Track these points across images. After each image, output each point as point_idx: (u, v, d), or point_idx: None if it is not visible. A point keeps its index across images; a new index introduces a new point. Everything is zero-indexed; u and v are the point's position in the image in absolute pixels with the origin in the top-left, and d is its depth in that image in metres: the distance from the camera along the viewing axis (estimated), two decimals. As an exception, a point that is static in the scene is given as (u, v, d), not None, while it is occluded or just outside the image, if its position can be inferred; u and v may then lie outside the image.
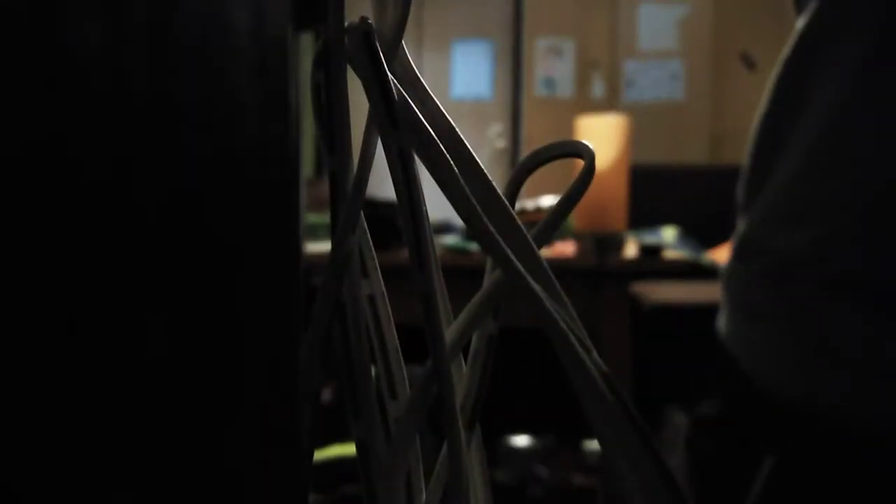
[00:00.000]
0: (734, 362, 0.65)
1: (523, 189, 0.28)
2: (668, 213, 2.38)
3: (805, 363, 0.59)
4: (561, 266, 1.90)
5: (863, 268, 0.58)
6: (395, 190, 0.22)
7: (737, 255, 0.68)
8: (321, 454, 0.83)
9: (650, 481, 0.23)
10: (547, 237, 0.26)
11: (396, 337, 0.25)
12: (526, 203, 2.02)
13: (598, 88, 3.92)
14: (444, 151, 0.23)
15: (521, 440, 2.11)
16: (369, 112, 0.23)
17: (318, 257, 1.68)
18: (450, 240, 2.05)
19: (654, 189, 2.44)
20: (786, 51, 0.66)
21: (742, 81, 3.87)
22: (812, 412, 0.59)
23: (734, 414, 0.66)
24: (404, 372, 0.25)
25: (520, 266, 0.23)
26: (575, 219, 1.99)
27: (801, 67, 0.64)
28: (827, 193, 0.61)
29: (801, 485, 0.60)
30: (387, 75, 0.22)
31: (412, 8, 0.24)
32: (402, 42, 0.24)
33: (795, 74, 0.64)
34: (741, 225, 0.69)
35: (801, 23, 0.65)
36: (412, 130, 0.23)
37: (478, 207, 0.23)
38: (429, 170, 0.23)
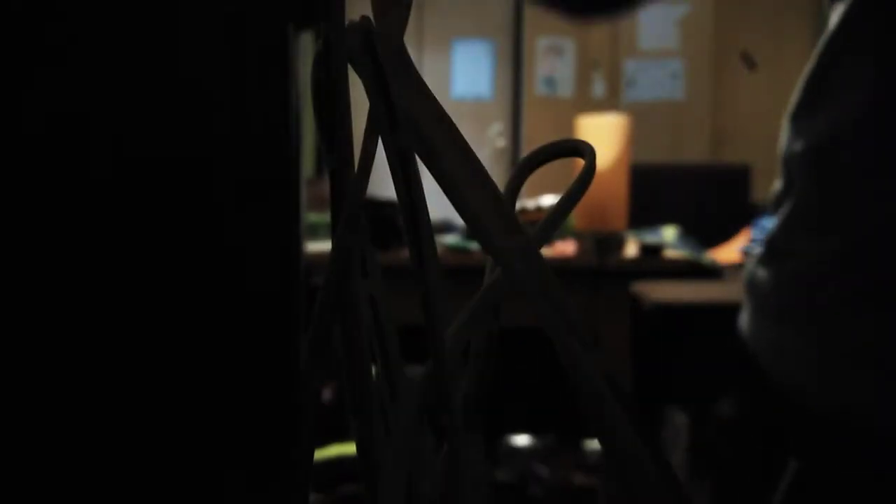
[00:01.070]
0: (756, 362, 0.64)
1: (523, 188, 0.28)
2: (668, 212, 2.38)
3: (832, 367, 0.59)
4: (561, 266, 1.90)
5: (890, 274, 0.58)
6: (396, 189, 0.22)
7: (764, 257, 0.68)
8: (321, 454, 0.83)
9: (651, 481, 0.23)
10: (547, 237, 0.26)
11: (396, 337, 0.25)
12: (526, 202, 2.02)
13: (598, 88, 3.92)
14: (445, 151, 0.23)
15: (521, 440, 2.11)
16: (369, 112, 0.23)
17: (319, 257, 1.68)
18: (450, 239, 2.05)
19: (654, 189, 2.44)
20: (815, 51, 0.65)
21: (742, 81, 3.87)
22: (839, 415, 0.58)
23: (755, 414, 0.66)
24: (404, 372, 0.25)
25: (520, 265, 0.23)
26: (575, 218, 1.99)
27: (822, 72, 0.63)
28: (845, 203, 0.61)
29: (826, 488, 0.60)
30: (387, 74, 0.22)
31: (412, 7, 0.24)
32: (403, 40, 0.24)
33: (816, 78, 0.64)
34: (771, 226, 0.69)
35: (832, 22, 0.64)
36: (412, 130, 0.23)
37: (478, 207, 0.23)
38: (429, 169, 0.23)
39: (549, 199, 2.02)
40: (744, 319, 0.68)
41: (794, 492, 0.60)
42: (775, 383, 0.62)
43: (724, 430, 0.69)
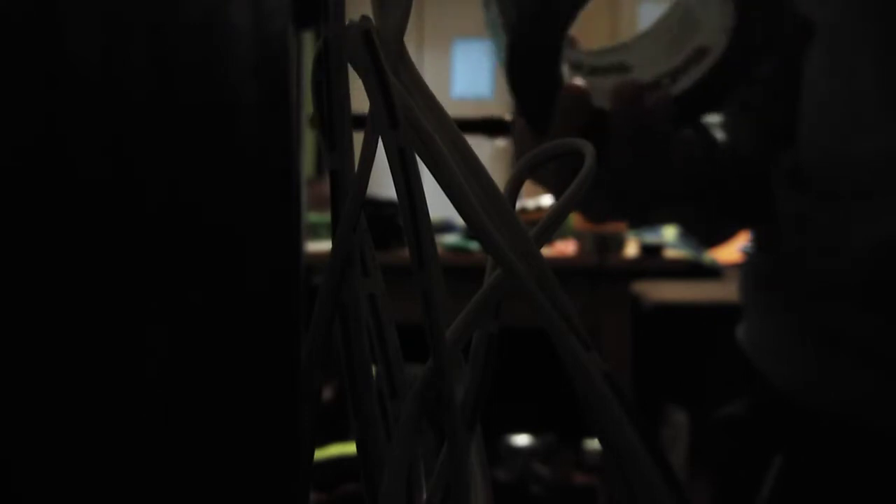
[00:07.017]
0: (754, 363, 0.64)
1: (524, 188, 0.28)
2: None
3: (821, 360, 0.59)
4: (561, 265, 1.90)
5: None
6: (396, 189, 0.22)
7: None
8: (321, 454, 0.83)
9: (651, 480, 0.23)
10: (547, 236, 0.26)
11: (396, 337, 0.25)
12: (526, 202, 2.02)
13: (598, 88, 3.91)
14: (445, 150, 0.23)
15: (521, 439, 2.11)
16: (369, 112, 0.23)
17: (319, 257, 1.68)
18: (450, 239, 2.05)
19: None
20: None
21: (742, 81, 3.87)
22: (831, 411, 0.58)
23: (758, 414, 0.66)
24: (404, 372, 0.25)
25: (520, 265, 0.23)
26: (575, 218, 1.99)
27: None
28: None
29: (813, 484, 0.59)
30: (387, 74, 0.22)
31: (412, 7, 0.24)
32: (403, 40, 0.24)
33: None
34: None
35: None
36: (412, 129, 0.23)
37: (478, 207, 0.23)
38: (429, 169, 0.23)
39: (549, 199, 2.02)
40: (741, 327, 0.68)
41: (781, 487, 0.60)
42: (771, 382, 0.62)
43: (726, 429, 0.69)
